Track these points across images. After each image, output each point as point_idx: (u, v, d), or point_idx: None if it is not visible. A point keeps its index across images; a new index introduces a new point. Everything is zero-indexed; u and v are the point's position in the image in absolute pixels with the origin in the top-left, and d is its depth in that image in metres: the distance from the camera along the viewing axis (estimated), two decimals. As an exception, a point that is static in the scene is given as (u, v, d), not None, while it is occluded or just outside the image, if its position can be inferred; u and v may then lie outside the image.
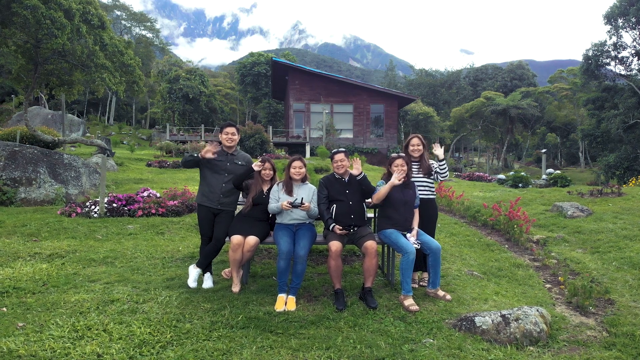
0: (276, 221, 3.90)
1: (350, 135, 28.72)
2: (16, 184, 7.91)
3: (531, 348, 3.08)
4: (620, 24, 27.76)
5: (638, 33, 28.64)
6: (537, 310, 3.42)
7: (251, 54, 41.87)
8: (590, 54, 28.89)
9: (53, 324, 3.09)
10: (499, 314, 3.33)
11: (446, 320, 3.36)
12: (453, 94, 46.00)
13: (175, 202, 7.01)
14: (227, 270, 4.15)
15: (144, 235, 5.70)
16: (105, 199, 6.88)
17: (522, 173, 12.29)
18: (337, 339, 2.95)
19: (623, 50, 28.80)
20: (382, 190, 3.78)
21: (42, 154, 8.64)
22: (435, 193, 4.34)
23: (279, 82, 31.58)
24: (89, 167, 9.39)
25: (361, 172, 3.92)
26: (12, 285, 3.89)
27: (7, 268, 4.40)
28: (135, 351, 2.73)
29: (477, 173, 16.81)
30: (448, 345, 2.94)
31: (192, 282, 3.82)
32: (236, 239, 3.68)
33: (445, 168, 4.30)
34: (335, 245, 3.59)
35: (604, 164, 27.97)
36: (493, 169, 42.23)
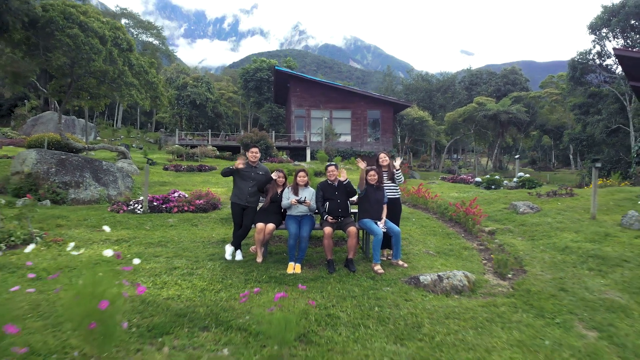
0: (287, 213, 5.54)
1: (348, 139, 30.39)
2: (67, 187, 9.55)
3: (456, 296, 4.72)
4: (604, 33, 29.42)
5: (622, 42, 30.31)
6: (463, 273, 5.06)
7: (254, 60, 43.62)
8: (575, 62, 30.56)
9: (140, 281, 4.72)
10: (437, 274, 4.97)
11: (401, 279, 5.00)
12: (449, 98, 47.70)
13: (201, 201, 8.65)
14: (253, 247, 5.78)
15: (182, 226, 7.35)
16: (142, 198, 8.52)
17: (496, 176, 13.93)
18: (328, 287, 4.60)
19: (607, 58, 30.48)
20: (360, 178, 5.53)
21: (85, 161, 10.29)
22: (399, 193, 5.98)
23: (281, 88, 33.28)
24: (122, 171, 11.04)
25: (346, 179, 5.56)
26: (100, 259, 5.52)
27: (89, 249, 6.04)
28: (200, 294, 4.36)
29: (461, 176, 18.43)
30: (399, 292, 4.58)
31: (228, 256, 5.46)
32: (260, 225, 5.33)
33: (400, 175, 5.93)
34: (327, 229, 5.23)
35: (588, 166, 29.60)
36: (487, 170, 43.82)
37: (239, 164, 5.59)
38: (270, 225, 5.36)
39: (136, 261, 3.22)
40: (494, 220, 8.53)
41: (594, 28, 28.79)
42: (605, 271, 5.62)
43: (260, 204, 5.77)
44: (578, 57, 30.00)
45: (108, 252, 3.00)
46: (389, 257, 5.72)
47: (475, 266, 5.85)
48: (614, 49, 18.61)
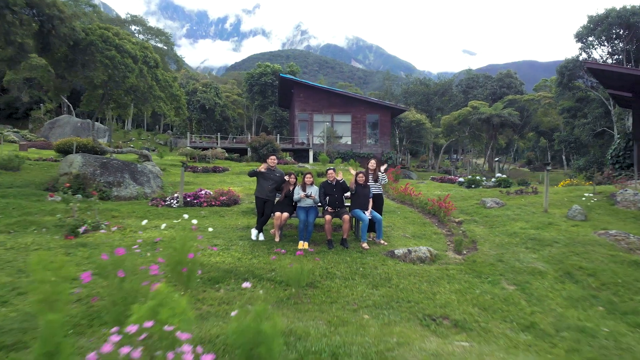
0: (297, 205, 7.36)
1: (349, 142, 32.22)
2: (110, 186, 11.40)
3: (420, 264, 6.54)
4: (590, 42, 31.16)
5: (608, 49, 32.06)
6: (427, 249, 6.88)
7: (258, 65, 45.53)
8: (563, 69, 32.31)
9: (193, 252, 6.54)
10: (407, 249, 6.80)
11: (381, 252, 6.83)
12: (446, 101, 49.49)
13: (224, 197, 10.49)
14: (272, 230, 7.61)
15: (212, 217, 9.18)
16: (176, 194, 10.36)
17: (477, 177, 15.71)
18: (328, 257, 6.43)
19: (593, 65, 32.17)
20: (351, 181, 7.32)
21: (123, 164, 12.15)
22: (381, 190, 7.80)
23: (285, 93, 35.15)
24: (153, 173, 12.89)
25: (342, 179, 7.39)
26: (158, 239, 7.35)
27: (145, 233, 7.87)
28: (238, 260, 6.19)
29: (448, 177, 20.24)
30: (378, 260, 6.41)
31: (253, 237, 7.29)
32: (277, 214, 7.16)
33: (385, 177, 7.76)
34: (328, 217, 7.06)
35: (576, 166, 31.36)
36: (482, 171, 45.54)
37: (262, 168, 7.42)
38: (285, 214, 7.20)
39: (210, 229, 5.07)
40: (465, 212, 10.34)
41: (580, 36, 30.53)
42: (537, 249, 7.44)
43: (277, 199, 7.60)
44: (566, 64, 31.74)
45: (194, 222, 4.85)
46: (373, 238, 7.54)
47: (440, 245, 7.67)
48: (586, 62, 20.42)
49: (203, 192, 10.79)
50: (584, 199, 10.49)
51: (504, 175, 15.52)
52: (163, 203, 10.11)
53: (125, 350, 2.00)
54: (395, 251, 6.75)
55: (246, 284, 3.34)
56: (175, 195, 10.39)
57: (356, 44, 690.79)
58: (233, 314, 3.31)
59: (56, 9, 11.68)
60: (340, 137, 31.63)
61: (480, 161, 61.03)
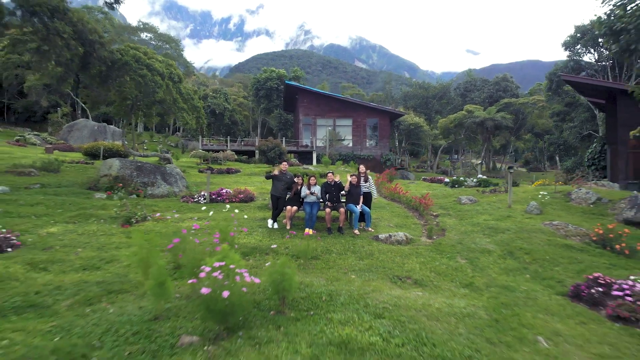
0: (304, 201, 9.39)
1: (350, 144, 34.25)
2: (145, 185, 13.49)
3: (398, 245, 8.58)
4: (577, 50, 33.04)
5: (594, 57, 33.91)
6: (404, 234, 8.91)
7: (264, 70, 47.66)
8: (552, 75, 34.21)
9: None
10: (389, 234, 8.83)
11: (369, 237, 8.87)
12: (444, 104, 51.43)
13: (242, 195, 12.54)
14: (284, 220, 9.65)
15: (233, 211, 11.23)
16: (204, 192, 12.44)
17: (461, 178, 17.69)
18: (327, 240, 8.48)
19: (581, 72, 34.08)
20: (346, 184, 9.34)
21: (155, 167, 14.24)
22: (369, 189, 9.84)
23: (290, 98, 37.23)
24: (179, 174, 14.98)
25: (339, 181, 9.43)
26: (195, 227, 9.41)
27: (184, 223, 9.92)
28: (259, 242, 8.23)
29: (438, 177, 22.22)
30: (366, 242, 8.46)
31: (269, 226, 9.34)
32: (289, 207, 9.21)
33: (370, 180, 9.79)
34: (327, 210, 9.11)
35: (564, 167, 33.26)
36: (479, 171, 47.43)
37: (276, 171, 9.46)
38: (295, 207, 9.25)
39: (245, 216, 7.13)
40: (443, 208, 12.36)
41: (568, 45, 32.42)
42: (492, 235, 9.46)
43: (287, 196, 9.64)
44: (554, 69, 33.63)
45: (236, 212, 6.92)
46: (363, 227, 9.58)
47: (416, 232, 9.71)
48: (562, 75, 22.35)
49: (224, 190, 12.85)
50: (539, 196, 12.49)
51: (484, 177, 17.50)
52: (192, 200, 12.18)
53: (204, 290, 4.11)
54: (379, 236, 8.79)
55: (267, 257, 5.40)
56: (202, 193, 12.46)
57: (359, 44, 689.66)
58: (267, 264, 5.46)
59: (97, 35, 13.72)
60: (342, 140, 33.66)
61: (480, 161, 62.90)
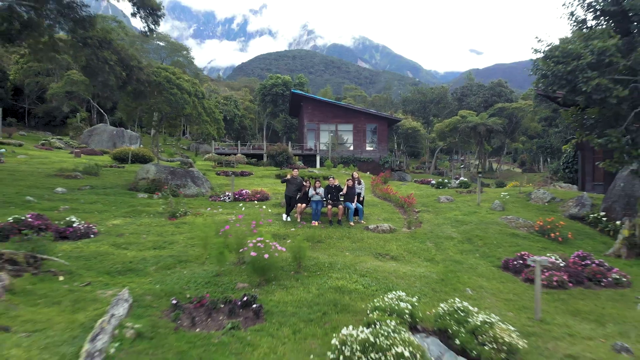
0: (311, 199, 12.08)
1: (351, 148, 36.94)
2: (178, 187, 16.19)
3: (383, 233, 11.26)
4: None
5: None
6: (388, 225, 11.59)
7: (270, 77, 50.47)
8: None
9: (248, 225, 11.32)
10: (376, 225, 11.51)
11: (361, 227, 11.57)
12: (441, 108, 54.05)
13: (259, 195, 15.23)
14: (295, 214, 12.33)
15: (254, 208, 13.93)
16: (228, 193, 15.14)
17: (445, 180, 20.31)
18: (329, 229, 11.18)
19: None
20: (344, 186, 12.04)
21: (185, 171, 16.95)
22: (362, 190, 12.52)
23: (295, 104, 39.95)
24: (205, 177, 17.68)
25: (338, 184, 12.13)
26: (230, 219, 12.11)
27: (218, 217, 12.62)
28: (278, 230, 10.93)
29: (428, 179, 24.88)
30: (358, 231, 11.16)
31: (284, 219, 12.04)
32: (299, 205, 11.92)
33: (362, 184, 12.49)
34: (329, 207, 11.82)
35: (550, 169, 35.81)
36: (474, 172, 50.02)
37: (288, 177, 12.15)
38: (304, 205, 11.93)
39: (269, 210, 9.86)
40: (424, 205, 15.02)
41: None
42: (457, 226, 12.11)
43: (298, 196, 12.32)
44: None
45: (264, 207, 9.66)
46: (357, 220, 12.25)
47: (399, 224, 12.39)
48: (537, 90, 24.85)
49: (244, 191, 15.54)
50: (501, 196, 15.13)
51: (466, 179, 20.12)
52: (219, 199, 14.88)
53: (252, 253, 6.86)
54: (369, 226, 11.47)
55: (285, 240, 8.09)
56: (227, 193, 15.17)
57: (362, 44, 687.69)
58: (288, 241, 8.25)
59: (136, 61, 16.40)
60: (343, 144, 36.35)
61: (476, 162, 65.39)
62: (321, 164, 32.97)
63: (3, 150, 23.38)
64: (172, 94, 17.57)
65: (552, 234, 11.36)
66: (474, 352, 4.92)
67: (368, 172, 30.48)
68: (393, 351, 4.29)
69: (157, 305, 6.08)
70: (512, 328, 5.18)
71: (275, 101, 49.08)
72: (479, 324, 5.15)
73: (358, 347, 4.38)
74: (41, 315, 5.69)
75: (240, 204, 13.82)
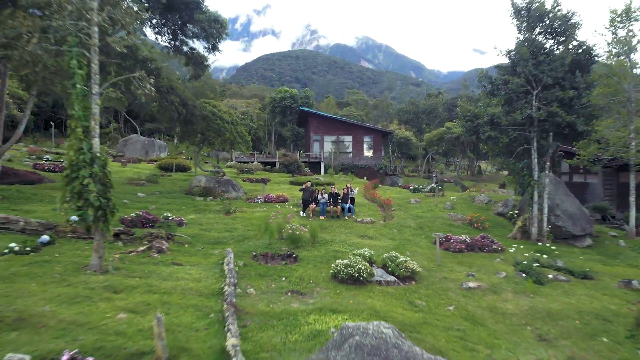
0: (319, 202, 18.31)
1: (350, 156, 43.17)
2: (223, 192, 22.45)
3: (366, 224, 17.52)
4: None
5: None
6: (370, 218, 17.82)
7: (279, 91, 56.86)
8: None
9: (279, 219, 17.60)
10: (362, 218, 17.75)
11: (352, 220, 17.83)
12: (433, 117, 60.17)
13: (281, 198, 21.43)
14: (309, 211, 18.54)
15: (282, 207, 20.15)
16: (259, 196, 21.38)
17: (420, 186, 26.44)
18: (331, 221, 17.43)
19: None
20: (342, 192, 18.33)
21: (227, 180, 23.22)
22: (354, 194, 18.75)
23: (303, 118, 46.18)
24: (238, 184, 23.94)
25: (337, 191, 18.41)
26: (260, 215, 18.36)
27: (258, 213, 18.87)
28: (298, 222, 17.17)
29: (409, 185, 31.04)
30: (351, 223, 17.43)
31: (302, 215, 18.29)
32: (311, 205, 18.17)
33: (355, 190, 18.77)
34: (331, 207, 18.10)
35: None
36: (463, 176, 56.09)
37: (304, 187, 18.39)
38: (314, 205, 18.18)
39: (295, 210, 16.19)
40: (399, 205, 21.21)
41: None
42: (416, 219, 18.33)
43: (310, 199, 18.51)
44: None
45: (290, 207, 16.00)
46: (350, 215, 18.46)
47: (378, 218, 18.62)
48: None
49: (271, 195, 21.76)
50: (452, 199, 21.30)
51: (434, 185, 26.28)
52: (253, 201, 21.09)
53: (290, 231, 13.24)
54: (357, 219, 17.69)
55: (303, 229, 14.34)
56: (258, 197, 21.40)
57: (365, 44, 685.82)
58: (307, 227, 14.78)
59: (192, 100, 22.53)
60: (346, 152, 42.58)
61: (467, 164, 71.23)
62: (325, 171, 39.16)
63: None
64: (217, 124, 23.78)
65: (476, 224, 17.54)
66: (396, 272, 11.11)
67: (365, 177, 36.57)
68: (357, 267, 10.50)
69: (244, 256, 12.31)
70: (418, 265, 11.38)
71: (284, 112, 55.44)
72: (400, 262, 11.35)
73: (343, 267, 10.58)
74: (192, 259, 11.93)
75: (273, 204, 20.09)
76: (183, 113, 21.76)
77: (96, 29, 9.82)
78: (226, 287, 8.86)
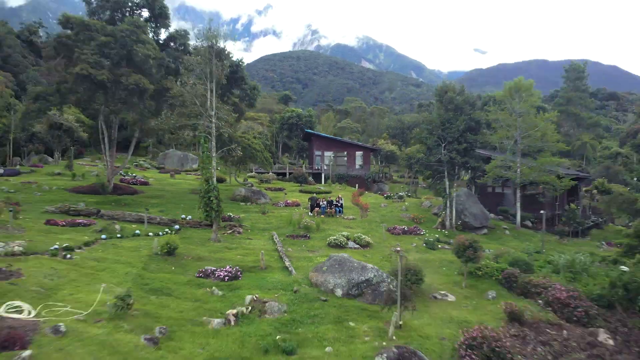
0: (321, 206, 29.60)
1: (344, 168, 54.50)
2: (257, 200, 33.72)
3: (351, 220, 28.83)
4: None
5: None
6: (352, 216, 29.12)
7: (287, 111, 68.18)
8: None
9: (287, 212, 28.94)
10: (348, 216, 29.05)
11: (341, 218, 29.18)
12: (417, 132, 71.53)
13: (295, 203, 32.67)
14: (314, 212, 29.77)
15: (297, 209, 31.39)
16: (280, 202, 32.70)
17: (392, 194, 37.50)
18: (328, 219, 28.77)
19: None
20: (335, 200, 29.76)
21: (258, 191, 34.56)
22: (342, 202, 30.11)
23: (307, 136, 57.59)
24: (266, 194, 35.27)
25: (332, 199, 29.81)
26: (286, 215, 29.63)
27: (283, 213, 30.13)
28: (309, 219, 28.50)
29: (385, 192, 42.24)
30: (340, 220, 28.77)
31: (309, 214, 29.63)
32: (315, 208, 29.52)
33: (341, 200, 30.21)
34: (329, 209, 29.49)
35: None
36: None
37: (311, 197, 29.72)
38: (317, 208, 29.48)
39: (309, 213, 27.72)
40: (373, 208, 32.44)
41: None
42: (381, 217, 29.64)
43: (314, 204, 29.75)
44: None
45: (303, 209, 27.56)
46: (340, 215, 29.72)
47: (357, 216, 29.94)
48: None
49: (288, 201, 32.97)
50: (406, 203, 32.59)
51: (402, 193, 37.37)
52: (277, 205, 32.34)
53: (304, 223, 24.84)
54: (344, 217, 28.98)
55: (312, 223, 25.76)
56: (280, 202, 32.65)
57: (366, 44, 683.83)
58: (313, 221, 26.53)
59: (237, 139, 33.86)
60: (341, 165, 53.90)
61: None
62: (325, 181, 50.40)
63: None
64: (245, 148, 34.91)
65: (416, 220, 28.79)
66: (360, 243, 22.43)
67: (357, 185, 47.60)
68: (340, 240, 21.85)
69: (281, 235, 23.64)
70: (372, 240, 22.74)
71: (291, 128, 66.79)
72: (362, 238, 22.72)
73: (333, 240, 21.94)
74: (256, 236, 23.42)
75: (291, 207, 31.47)
76: (238, 153, 33.00)
77: (214, 124, 21.28)
78: (279, 247, 20.23)
